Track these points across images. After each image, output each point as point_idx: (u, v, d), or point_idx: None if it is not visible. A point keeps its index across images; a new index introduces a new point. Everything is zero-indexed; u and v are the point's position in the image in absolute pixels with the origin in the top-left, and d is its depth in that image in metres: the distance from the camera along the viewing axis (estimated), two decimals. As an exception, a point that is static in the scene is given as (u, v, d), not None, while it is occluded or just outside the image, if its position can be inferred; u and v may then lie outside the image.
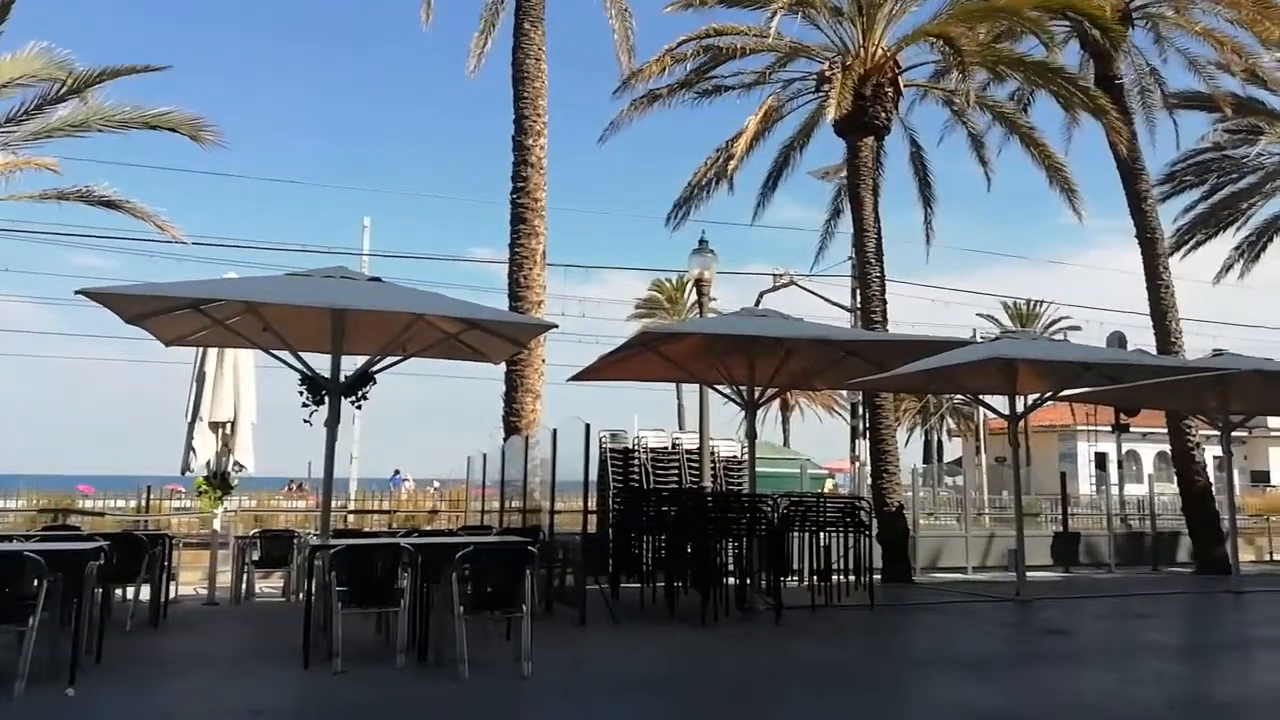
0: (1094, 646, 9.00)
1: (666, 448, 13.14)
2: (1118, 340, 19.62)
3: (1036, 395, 13.02)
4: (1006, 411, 12.31)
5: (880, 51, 15.07)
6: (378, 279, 8.59)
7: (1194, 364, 12.57)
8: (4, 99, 11.93)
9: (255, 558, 10.60)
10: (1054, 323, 47.08)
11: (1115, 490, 19.40)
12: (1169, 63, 18.85)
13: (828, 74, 15.19)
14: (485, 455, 14.33)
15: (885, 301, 15.03)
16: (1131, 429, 19.71)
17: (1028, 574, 12.01)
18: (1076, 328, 41.84)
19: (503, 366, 14.47)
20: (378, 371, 8.60)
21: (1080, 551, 16.83)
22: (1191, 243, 21.17)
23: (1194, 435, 16.76)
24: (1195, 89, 18.88)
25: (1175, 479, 17.10)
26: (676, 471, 12.80)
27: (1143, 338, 18.50)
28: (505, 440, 13.86)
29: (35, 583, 5.97)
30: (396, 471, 30.55)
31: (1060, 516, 18.04)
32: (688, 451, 13.39)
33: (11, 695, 5.66)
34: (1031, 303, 47.38)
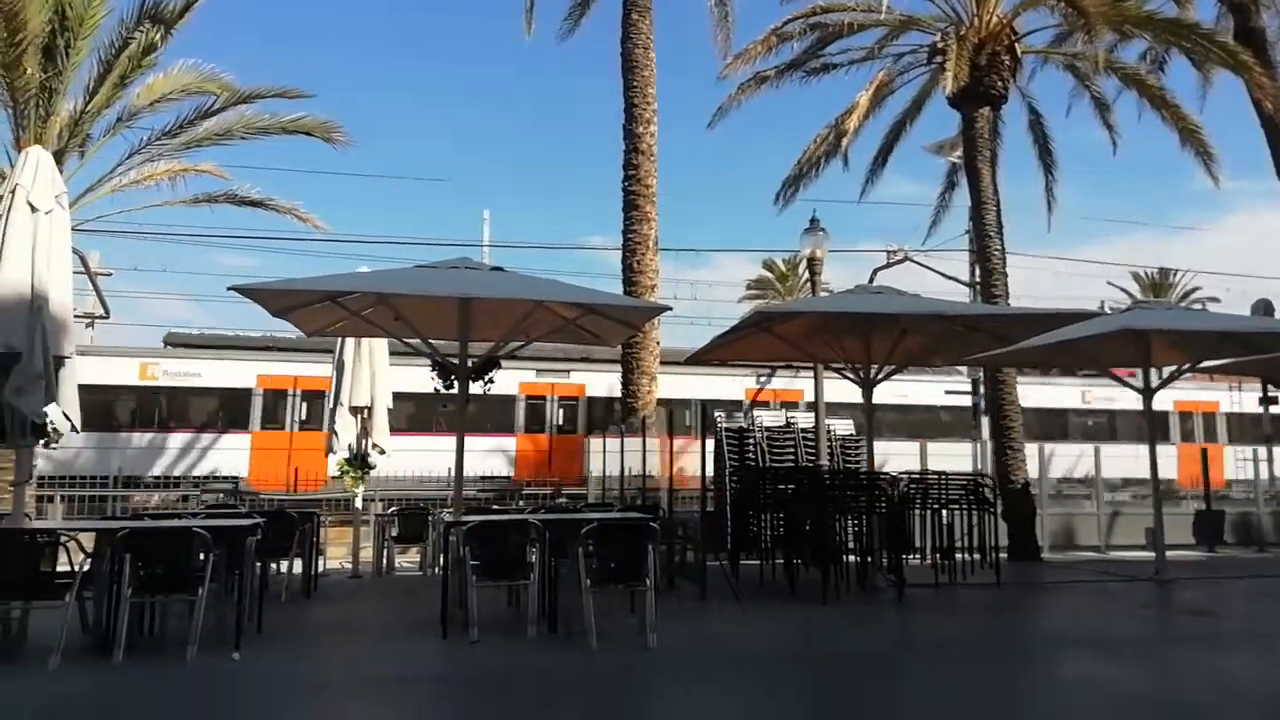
0: (1242, 629, 8.60)
1: (782, 426, 13.15)
2: (1264, 308, 18.49)
3: (1173, 367, 12.43)
4: (1140, 385, 11.81)
5: (995, 19, 14.60)
6: (500, 269, 8.93)
7: (1350, 330, 11.75)
8: (159, 113, 12.95)
9: (394, 534, 11.20)
10: (1190, 292, 44.59)
11: (1265, 464, 18.23)
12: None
13: (940, 45, 14.83)
14: (604, 436, 14.67)
15: (1006, 275, 14.61)
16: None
17: (1167, 553, 11.52)
18: (1215, 299, 39.54)
19: (619, 350, 14.77)
20: (503, 356, 8.97)
21: (1226, 530, 15.96)
22: (1347, 201, 19.69)
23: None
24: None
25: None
26: (792, 450, 12.79)
27: (1293, 304, 17.37)
28: (623, 421, 14.15)
29: (202, 556, 6.51)
30: None
31: (1203, 493, 17.14)
32: (803, 430, 13.37)
33: (186, 658, 6.21)
34: (1165, 271, 44.93)
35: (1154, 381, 11.71)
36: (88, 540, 6.90)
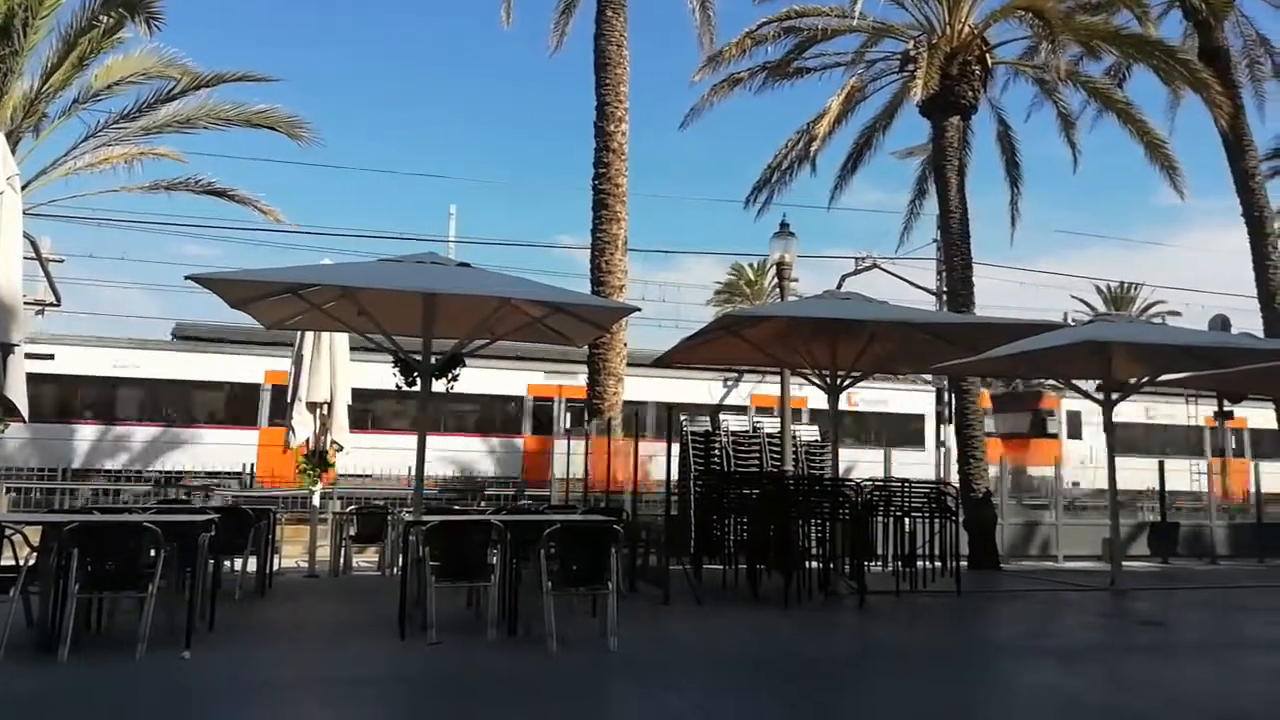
0: (1194, 639, 8.71)
1: (747, 431, 13.14)
2: (1221, 323, 18.84)
3: (1132, 380, 12.60)
4: (1100, 397, 11.95)
5: (967, 29, 14.72)
6: (467, 264, 8.81)
7: (1304, 347, 11.98)
8: (118, 95, 12.61)
9: (352, 533, 11.02)
10: (1150, 306, 45.49)
11: (1218, 478, 18.58)
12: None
13: (913, 53, 14.92)
14: (569, 437, 14.58)
15: (972, 284, 14.74)
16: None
17: (1123, 564, 11.67)
18: (1176, 313, 40.33)
19: (585, 350, 14.68)
20: (467, 354, 8.85)
21: (1180, 542, 16.24)
22: (1303, 220, 20.11)
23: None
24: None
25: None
26: (758, 455, 12.78)
27: (1250, 321, 17.75)
28: (589, 422, 14.06)
29: (153, 552, 6.32)
30: None
31: (1158, 506, 17.43)
32: (769, 435, 13.36)
33: (134, 656, 6.04)
34: (1126, 285, 45.82)
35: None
36: (34, 534, 6.70)
